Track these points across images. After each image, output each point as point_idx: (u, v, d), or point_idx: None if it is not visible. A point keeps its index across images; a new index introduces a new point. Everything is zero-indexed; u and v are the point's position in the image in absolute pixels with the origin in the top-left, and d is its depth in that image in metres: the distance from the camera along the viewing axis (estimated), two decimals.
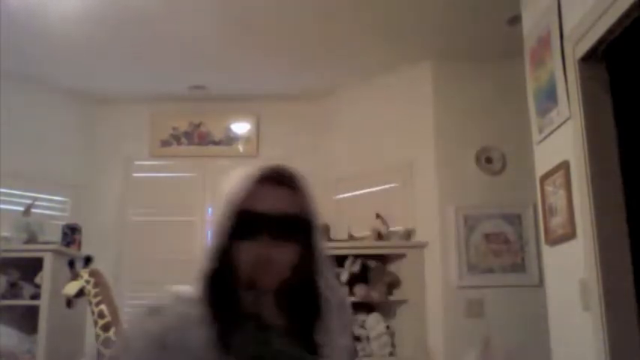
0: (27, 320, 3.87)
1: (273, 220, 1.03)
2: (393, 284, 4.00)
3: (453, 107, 3.96)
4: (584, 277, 2.23)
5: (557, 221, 2.49)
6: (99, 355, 3.09)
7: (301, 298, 1.08)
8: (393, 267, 4.07)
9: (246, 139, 4.70)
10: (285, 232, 1.04)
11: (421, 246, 3.92)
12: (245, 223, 1.03)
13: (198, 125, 4.70)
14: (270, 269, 1.03)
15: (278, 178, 1.08)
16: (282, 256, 1.04)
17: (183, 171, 4.69)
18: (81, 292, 3.26)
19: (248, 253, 1.03)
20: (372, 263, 4.02)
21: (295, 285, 1.07)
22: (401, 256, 4.01)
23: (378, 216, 4.05)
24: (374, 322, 3.90)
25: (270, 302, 1.07)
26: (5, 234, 3.97)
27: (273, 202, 1.05)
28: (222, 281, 1.04)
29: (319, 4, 3.33)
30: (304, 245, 1.06)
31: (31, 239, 3.97)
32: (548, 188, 2.58)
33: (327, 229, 4.20)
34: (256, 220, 1.03)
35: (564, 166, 2.41)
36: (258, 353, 1.01)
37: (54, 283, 3.77)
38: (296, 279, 1.07)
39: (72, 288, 3.26)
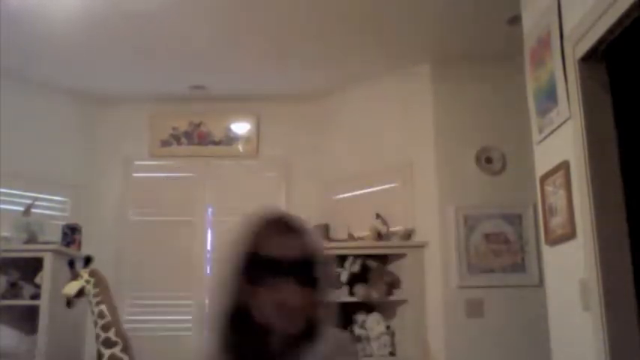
0: (27, 320, 3.87)
1: (296, 265, 1.05)
2: (393, 284, 4.00)
3: (452, 107, 3.96)
4: (584, 277, 2.23)
5: (557, 221, 2.49)
6: (99, 355, 3.10)
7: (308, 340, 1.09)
8: (393, 267, 4.07)
9: (246, 139, 4.70)
10: (307, 277, 1.06)
11: (421, 246, 3.92)
12: (267, 269, 1.05)
13: (198, 125, 4.70)
14: (294, 314, 1.05)
15: (288, 225, 1.10)
16: (305, 301, 1.05)
17: (183, 171, 4.68)
18: (81, 292, 3.26)
19: (272, 298, 1.04)
20: (372, 263, 4.02)
21: (307, 329, 1.09)
22: (401, 256, 4.01)
23: (378, 216, 4.05)
24: (374, 322, 3.90)
25: (284, 344, 1.08)
26: (5, 234, 3.97)
27: (291, 248, 1.07)
28: (241, 324, 1.07)
29: (319, 4, 3.33)
30: (317, 290, 1.08)
31: (31, 239, 3.97)
32: (548, 188, 2.58)
33: (327, 229, 4.20)
34: (279, 267, 1.05)
35: (564, 166, 2.41)
36: None
37: (54, 283, 3.77)
38: (309, 323, 1.08)
39: (72, 288, 3.27)
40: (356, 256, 3.93)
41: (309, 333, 1.09)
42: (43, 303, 3.78)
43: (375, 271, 4.01)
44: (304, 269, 1.06)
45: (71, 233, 4.14)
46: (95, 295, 3.22)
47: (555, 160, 2.50)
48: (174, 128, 4.69)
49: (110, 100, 4.65)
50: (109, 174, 4.63)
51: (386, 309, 4.01)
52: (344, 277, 3.94)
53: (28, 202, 4.10)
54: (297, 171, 4.63)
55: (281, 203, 4.58)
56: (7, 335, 3.85)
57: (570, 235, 2.36)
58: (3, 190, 4.07)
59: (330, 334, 1.11)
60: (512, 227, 3.76)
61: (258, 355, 1.07)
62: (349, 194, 4.38)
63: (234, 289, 1.07)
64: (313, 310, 1.08)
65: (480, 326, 3.66)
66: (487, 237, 3.76)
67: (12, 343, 3.88)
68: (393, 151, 4.18)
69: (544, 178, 2.63)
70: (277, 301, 1.04)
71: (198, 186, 4.64)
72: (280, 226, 1.09)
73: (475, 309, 3.69)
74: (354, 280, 3.92)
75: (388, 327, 3.94)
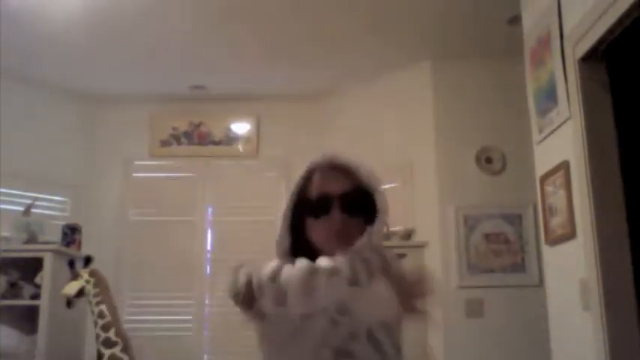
0: (27, 320, 3.87)
1: (341, 198, 1.25)
2: None
3: (453, 107, 3.96)
4: (584, 277, 2.23)
5: (557, 221, 2.49)
6: (99, 355, 3.10)
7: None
8: None
9: (246, 139, 4.70)
10: (351, 206, 1.25)
11: (421, 246, 3.92)
12: (319, 204, 1.26)
13: (198, 125, 4.70)
14: (340, 239, 1.22)
15: (335, 165, 1.31)
16: (349, 226, 1.23)
17: (183, 171, 4.68)
18: (81, 292, 3.26)
19: (322, 226, 1.25)
20: None
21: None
22: (401, 256, 4.01)
23: None
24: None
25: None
26: (5, 234, 3.97)
27: (336, 185, 1.27)
28: (301, 251, 1.24)
29: (320, 4, 3.33)
30: (367, 218, 1.25)
31: (31, 239, 3.97)
32: (548, 188, 2.58)
33: None
34: (327, 201, 1.25)
35: (564, 166, 2.41)
36: None
37: (54, 283, 3.76)
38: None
39: (72, 288, 3.27)
40: None
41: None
42: (43, 303, 3.78)
43: None
44: (348, 200, 1.25)
45: (71, 233, 4.14)
46: (95, 295, 3.22)
47: (555, 160, 2.50)
48: (174, 128, 4.69)
49: (110, 100, 4.65)
50: (109, 174, 4.63)
51: None
52: None
53: (28, 202, 4.10)
54: (297, 171, 4.56)
55: (281, 203, 4.58)
56: (7, 335, 3.85)
57: (570, 235, 2.37)
58: (3, 190, 4.07)
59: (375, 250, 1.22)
60: (512, 227, 3.76)
61: None
62: None
63: (291, 223, 1.31)
64: (359, 235, 1.22)
65: (480, 326, 3.66)
66: (487, 237, 3.76)
67: (12, 343, 3.88)
68: (393, 151, 4.17)
69: (544, 178, 2.63)
70: (326, 230, 1.24)
71: (198, 186, 4.64)
72: (328, 166, 1.31)
73: (475, 309, 3.69)
74: None
75: None
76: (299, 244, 1.29)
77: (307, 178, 1.33)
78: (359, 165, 1.31)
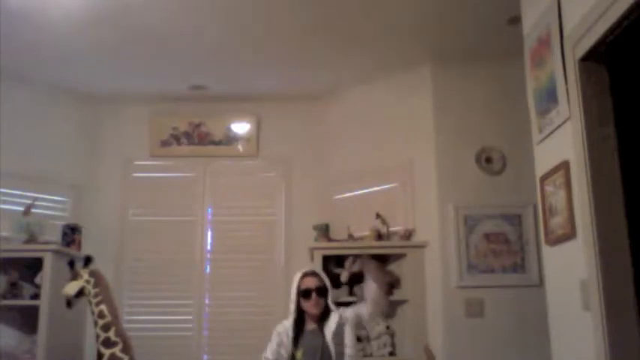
0: (27, 320, 3.87)
1: (316, 289, 2.87)
2: (393, 284, 4.00)
3: (452, 107, 3.97)
4: (584, 277, 2.23)
5: (557, 221, 2.49)
6: (99, 355, 3.10)
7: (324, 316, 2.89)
8: (393, 267, 4.07)
9: (246, 139, 4.70)
10: (320, 292, 2.87)
11: (421, 246, 3.92)
12: (305, 292, 2.86)
13: (198, 125, 4.70)
14: (318, 306, 2.85)
15: (312, 272, 2.96)
16: (320, 302, 2.86)
17: (183, 171, 4.69)
18: (81, 292, 3.26)
19: (308, 302, 2.85)
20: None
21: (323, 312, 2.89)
22: (401, 256, 4.01)
23: (378, 216, 4.05)
24: (374, 323, 3.90)
25: (315, 321, 2.88)
26: (5, 234, 3.98)
27: (313, 282, 2.88)
28: (299, 315, 2.90)
29: (320, 3, 3.33)
30: (326, 297, 2.89)
31: (31, 239, 3.97)
32: (548, 188, 2.58)
33: (327, 229, 4.20)
34: (310, 290, 2.86)
35: (564, 166, 2.41)
36: (309, 344, 2.81)
37: (54, 283, 3.77)
38: (324, 311, 2.88)
39: (72, 288, 3.26)
40: (356, 256, 3.93)
41: (325, 316, 2.86)
42: (43, 303, 3.79)
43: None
44: (319, 289, 2.87)
45: (71, 233, 4.14)
46: (95, 295, 3.22)
47: (555, 160, 2.50)
48: (174, 128, 4.69)
49: (110, 100, 4.66)
50: (109, 174, 4.63)
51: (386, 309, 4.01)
52: (344, 277, 3.94)
53: (28, 202, 4.10)
54: (297, 171, 4.63)
55: (281, 203, 4.59)
56: (7, 335, 3.86)
57: (570, 235, 2.36)
58: (3, 190, 4.07)
59: (338, 313, 2.87)
60: (512, 227, 3.76)
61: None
62: (349, 194, 4.38)
63: (296, 302, 2.88)
64: (325, 305, 2.88)
65: (480, 326, 3.66)
66: (487, 237, 3.76)
67: (12, 343, 3.88)
68: (393, 151, 4.18)
69: (544, 178, 2.63)
70: (311, 303, 2.85)
71: (198, 186, 4.64)
72: (308, 274, 2.93)
73: (475, 309, 3.69)
74: (354, 280, 3.92)
75: (388, 327, 3.94)
76: (299, 310, 2.89)
77: (300, 280, 2.89)
78: (320, 272, 3.01)
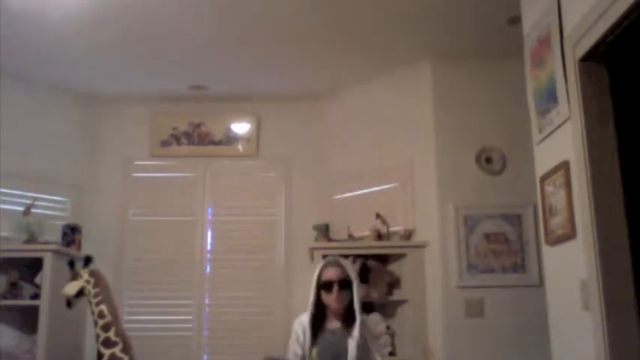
0: (27, 320, 3.87)
1: (338, 281, 2.56)
2: (393, 284, 4.00)
3: (452, 107, 3.96)
4: (584, 277, 2.23)
5: (557, 221, 2.49)
6: (99, 355, 3.09)
7: (350, 316, 2.57)
8: (393, 267, 4.07)
9: (246, 139, 4.70)
10: (343, 285, 2.56)
11: (421, 246, 3.92)
12: (326, 284, 2.57)
13: (198, 125, 4.70)
14: (339, 300, 2.56)
15: (335, 262, 2.65)
16: (343, 296, 2.56)
17: (183, 171, 4.69)
18: (81, 292, 3.26)
19: (329, 296, 2.56)
20: (372, 263, 4.02)
21: (348, 310, 2.58)
22: (401, 256, 4.01)
23: (378, 216, 4.05)
24: (374, 322, 3.89)
25: (338, 318, 2.60)
26: (5, 234, 3.97)
27: (336, 274, 2.58)
28: (319, 311, 2.61)
29: (320, 3, 3.33)
30: (350, 291, 2.58)
31: (31, 239, 3.97)
32: (548, 188, 2.58)
33: (327, 229, 4.20)
34: (331, 283, 2.56)
35: (564, 166, 2.41)
36: (327, 347, 2.52)
37: (54, 283, 3.77)
38: (348, 307, 2.58)
39: (72, 288, 3.26)
40: (356, 256, 3.93)
41: (351, 316, 2.56)
42: (43, 303, 3.78)
43: (375, 271, 4.01)
44: (342, 282, 2.56)
45: (71, 233, 4.14)
46: (95, 295, 3.22)
47: (555, 160, 2.50)
48: (174, 128, 4.69)
49: (110, 100, 4.66)
50: (109, 174, 4.63)
51: (386, 309, 4.01)
52: None
53: (28, 202, 4.10)
54: (297, 171, 4.63)
55: (281, 203, 4.59)
56: (7, 335, 3.86)
57: (570, 235, 2.37)
58: (3, 190, 4.07)
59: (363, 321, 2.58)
60: (512, 227, 3.76)
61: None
62: (349, 194, 4.38)
63: (315, 296, 2.59)
64: (347, 298, 2.57)
65: (480, 326, 3.66)
66: (487, 237, 3.76)
67: (12, 343, 3.88)
68: (393, 151, 4.18)
69: (544, 178, 2.63)
70: (332, 297, 2.56)
71: (198, 186, 4.64)
72: (330, 263, 2.63)
73: (475, 309, 3.69)
74: None
75: (388, 327, 3.94)
76: (319, 305, 2.59)
77: (321, 271, 2.60)
78: (345, 262, 2.66)
